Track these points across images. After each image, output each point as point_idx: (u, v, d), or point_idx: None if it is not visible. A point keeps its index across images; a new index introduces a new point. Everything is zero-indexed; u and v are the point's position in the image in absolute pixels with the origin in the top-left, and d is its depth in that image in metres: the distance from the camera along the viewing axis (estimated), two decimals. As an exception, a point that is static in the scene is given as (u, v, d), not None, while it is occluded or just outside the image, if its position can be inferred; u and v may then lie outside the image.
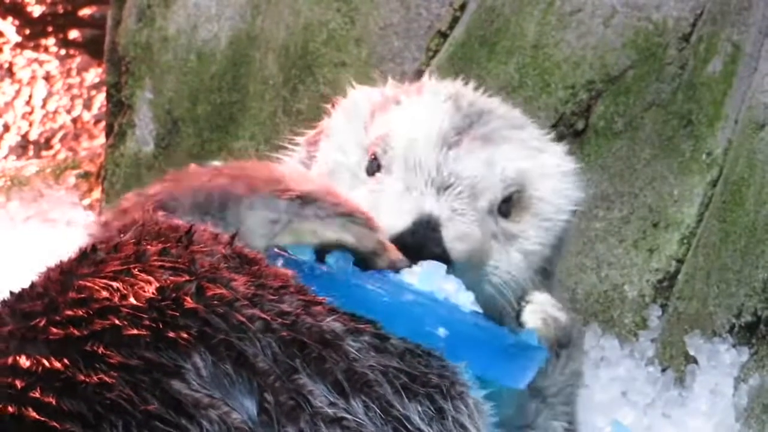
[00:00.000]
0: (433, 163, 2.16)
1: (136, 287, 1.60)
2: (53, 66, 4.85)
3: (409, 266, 1.93)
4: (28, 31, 4.95)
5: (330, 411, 1.58)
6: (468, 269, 2.08)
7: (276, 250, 1.83)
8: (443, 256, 2.03)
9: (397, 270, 1.91)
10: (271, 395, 1.55)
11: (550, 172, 2.33)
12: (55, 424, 1.46)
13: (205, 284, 1.62)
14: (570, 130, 3.18)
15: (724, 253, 2.90)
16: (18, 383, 1.52)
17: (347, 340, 1.64)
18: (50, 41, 4.93)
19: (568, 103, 3.21)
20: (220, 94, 3.60)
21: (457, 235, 2.09)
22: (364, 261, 1.89)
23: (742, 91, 3.07)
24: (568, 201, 2.34)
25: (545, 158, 2.34)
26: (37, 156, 4.54)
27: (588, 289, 3.13)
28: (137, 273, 1.63)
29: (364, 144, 2.27)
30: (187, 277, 1.63)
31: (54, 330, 1.57)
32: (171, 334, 1.54)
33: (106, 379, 1.51)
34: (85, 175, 4.08)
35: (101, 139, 4.22)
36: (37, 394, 1.50)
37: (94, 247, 1.73)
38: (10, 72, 4.82)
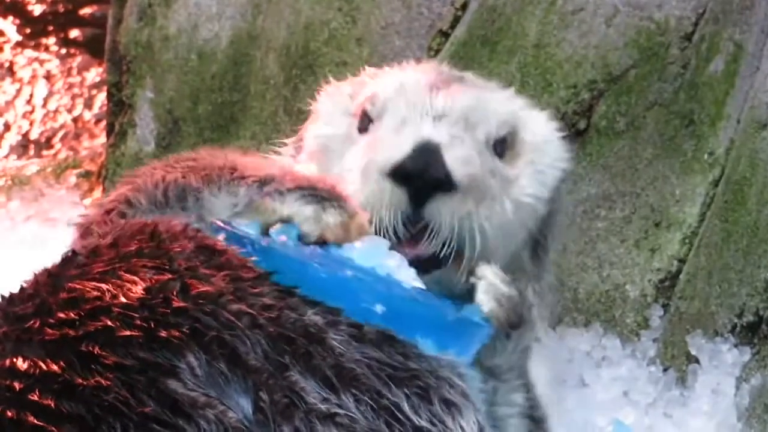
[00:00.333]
0: (426, 101, 2.14)
1: (124, 288, 1.60)
2: (54, 65, 4.84)
3: (379, 236, 1.91)
4: (28, 30, 4.95)
5: (323, 407, 1.58)
6: (470, 196, 2.05)
7: (219, 223, 1.81)
8: (446, 180, 2.01)
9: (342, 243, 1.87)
10: (265, 393, 1.55)
11: (541, 121, 2.33)
12: (53, 429, 1.46)
13: (188, 281, 1.63)
14: (572, 129, 3.18)
15: (726, 253, 2.90)
16: (16, 385, 1.52)
17: (330, 334, 1.65)
18: (51, 40, 4.92)
19: (570, 102, 3.21)
20: (221, 93, 3.60)
21: (460, 158, 2.06)
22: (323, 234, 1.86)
23: (745, 91, 3.07)
24: (561, 157, 2.33)
25: (534, 112, 2.35)
26: (38, 155, 4.54)
27: (590, 289, 3.13)
28: (122, 274, 1.64)
29: (351, 111, 2.27)
30: (170, 276, 1.64)
31: (48, 331, 1.57)
32: (163, 334, 1.54)
33: (103, 380, 1.51)
34: (86, 175, 4.07)
35: (102, 139, 4.22)
36: (36, 397, 1.50)
37: (74, 252, 1.73)
38: (10, 71, 4.82)
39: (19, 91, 4.75)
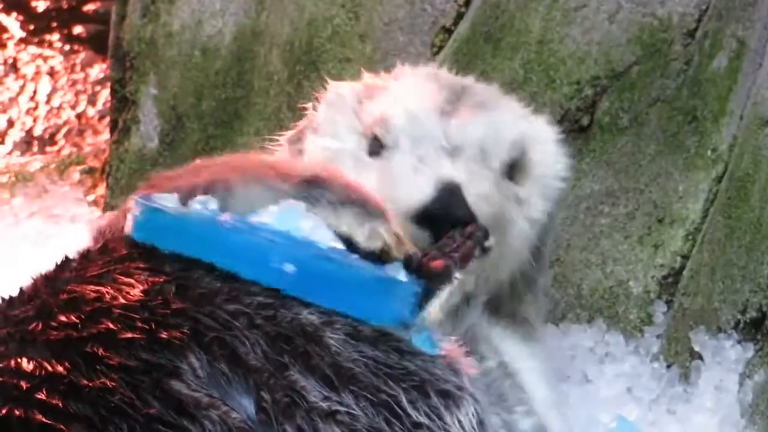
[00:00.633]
0: (439, 132, 2.16)
1: (122, 290, 1.61)
2: (57, 61, 4.84)
3: (419, 258, 1.86)
4: (32, 27, 4.95)
5: (324, 405, 1.59)
6: (493, 232, 2.08)
7: (140, 199, 1.80)
8: (470, 220, 2.02)
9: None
10: (267, 393, 1.56)
11: (545, 136, 2.36)
12: (62, 427, 1.47)
13: (182, 282, 1.63)
14: (575, 126, 3.18)
15: (729, 249, 2.90)
16: (23, 385, 1.52)
17: (327, 333, 1.65)
18: (54, 37, 4.92)
19: (573, 98, 3.21)
20: (225, 89, 3.61)
21: (480, 195, 2.08)
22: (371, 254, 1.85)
23: (748, 87, 3.06)
24: (562, 167, 2.36)
25: (537, 123, 2.37)
26: (42, 152, 4.54)
27: (593, 285, 3.13)
28: (117, 276, 1.65)
29: (358, 129, 2.27)
30: (165, 278, 1.64)
31: (52, 333, 1.58)
32: (164, 335, 1.55)
33: (108, 381, 1.52)
34: (90, 171, 4.08)
35: (106, 135, 4.23)
36: (43, 396, 1.50)
37: (67, 258, 1.74)
38: (14, 67, 4.82)
39: (22, 87, 4.76)
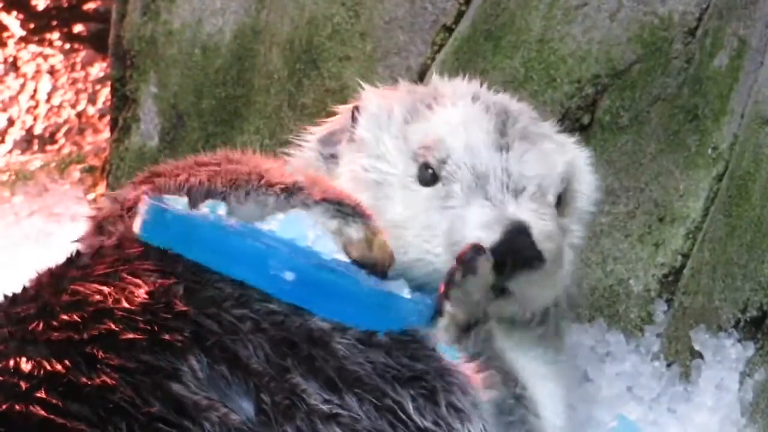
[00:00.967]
0: (499, 168, 2.18)
1: (126, 291, 1.61)
2: (58, 60, 4.84)
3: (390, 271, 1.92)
4: (32, 25, 4.95)
5: (325, 408, 1.60)
6: (552, 267, 2.15)
7: (149, 199, 1.82)
8: (538, 260, 2.09)
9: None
10: (267, 395, 1.56)
11: (583, 165, 2.41)
12: (62, 421, 1.47)
13: (192, 285, 1.63)
14: (576, 124, 3.18)
15: (730, 248, 2.90)
16: (22, 384, 1.53)
17: (335, 338, 1.66)
18: (55, 35, 4.92)
19: (574, 97, 3.20)
20: (225, 88, 3.60)
21: (545, 235, 2.14)
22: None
23: (748, 86, 3.06)
24: (598, 194, 2.42)
25: (573, 150, 2.41)
26: (42, 150, 4.54)
27: (593, 284, 3.13)
28: (125, 276, 1.65)
29: (405, 152, 2.26)
30: (174, 280, 1.65)
31: (52, 333, 1.58)
32: (166, 337, 1.55)
33: (108, 381, 1.52)
34: (90, 170, 4.08)
35: (106, 134, 4.23)
36: (43, 395, 1.51)
37: (78, 252, 1.74)
38: (14, 66, 4.82)
39: (23, 86, 4.76)
